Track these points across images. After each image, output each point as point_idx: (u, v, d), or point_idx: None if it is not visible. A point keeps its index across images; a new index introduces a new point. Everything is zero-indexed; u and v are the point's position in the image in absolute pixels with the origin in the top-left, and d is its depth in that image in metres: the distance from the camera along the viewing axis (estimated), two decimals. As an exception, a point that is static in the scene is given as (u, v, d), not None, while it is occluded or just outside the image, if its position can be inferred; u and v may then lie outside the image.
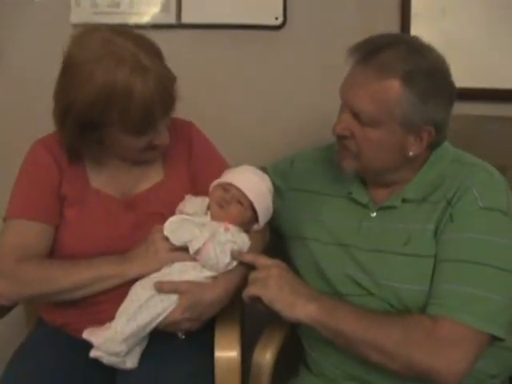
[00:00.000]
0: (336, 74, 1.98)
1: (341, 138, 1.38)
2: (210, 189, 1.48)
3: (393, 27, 1.93)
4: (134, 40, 1.35)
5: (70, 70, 1.35)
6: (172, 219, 1.41)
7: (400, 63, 1.30)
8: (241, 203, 1.44)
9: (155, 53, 1.37)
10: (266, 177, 1.51)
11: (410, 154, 1.36)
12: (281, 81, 2.01)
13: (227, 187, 1.45)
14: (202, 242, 1.36)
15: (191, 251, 1.37)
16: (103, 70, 1.30)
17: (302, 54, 1.99)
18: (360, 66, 1.33)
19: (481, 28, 1.93)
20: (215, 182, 1.48)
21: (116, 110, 1.32)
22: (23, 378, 1.37)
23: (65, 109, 1.37)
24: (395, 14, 1.95)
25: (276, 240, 1.60)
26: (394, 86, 1.30)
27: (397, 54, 1.31)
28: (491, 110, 1.91)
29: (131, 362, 1.37)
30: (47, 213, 1.46)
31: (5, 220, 1.47)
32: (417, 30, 1.92)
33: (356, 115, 1.34)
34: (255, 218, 1.48)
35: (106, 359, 1.35)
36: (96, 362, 1.36)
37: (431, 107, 1.32)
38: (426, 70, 1.31)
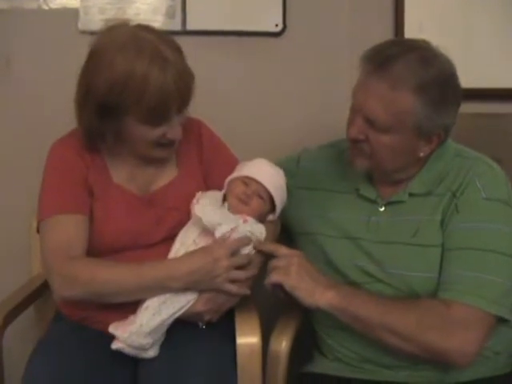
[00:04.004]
0: (335, 79, 2.06)
1: (355, 141, 1.44)
2: (227, 182, 1.52)
3: (387, 34, 2.01)
4: (157, 34, 1.43)
5: (94, 56, 1.42)
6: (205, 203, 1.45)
7: (412, 75, 1.35)
8: (261, 197, 1.48)
9: (176, 48, 1.43)
10: (280, 169, 1.55)
11: (421, 155, 1.43)
12: (280, 85, 2.07)
13: (247, 181, 1.48)
14: (230, 228, 1.40)
15: (217, 234, 1.40)
16: (124, 58, 1.37)
17: (300, 60, 2.05)
18: (373, 77, 1.38)
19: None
20: (232, 176, 1.52)
21: (132, 96, 1.37)
22: (45, 371, 1.37)
23: (85, 92, 1.42)
24: (389, 22, 2.03)
25: (284, 236, 1.64)
26: (407, 98, 1.36)
27: (408, 65, 1.36)
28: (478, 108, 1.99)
29: (153, 352, 1.41)
30: (80, 203, 1.48)
31: (39, 222, 1.49)
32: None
33: (370, 122, 1.40)
34: (272, 209, 1.53)
35: (128, 350, 1.38)
36: (117, 353, 1.39)
37: (442, 115, 1.39)
38: (436, 81, 1.37)
